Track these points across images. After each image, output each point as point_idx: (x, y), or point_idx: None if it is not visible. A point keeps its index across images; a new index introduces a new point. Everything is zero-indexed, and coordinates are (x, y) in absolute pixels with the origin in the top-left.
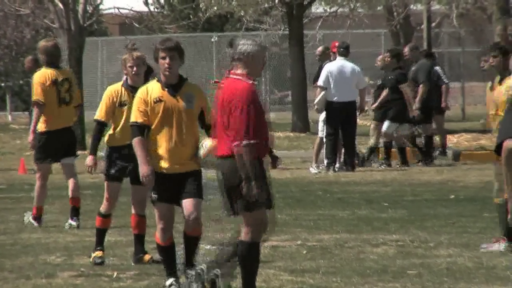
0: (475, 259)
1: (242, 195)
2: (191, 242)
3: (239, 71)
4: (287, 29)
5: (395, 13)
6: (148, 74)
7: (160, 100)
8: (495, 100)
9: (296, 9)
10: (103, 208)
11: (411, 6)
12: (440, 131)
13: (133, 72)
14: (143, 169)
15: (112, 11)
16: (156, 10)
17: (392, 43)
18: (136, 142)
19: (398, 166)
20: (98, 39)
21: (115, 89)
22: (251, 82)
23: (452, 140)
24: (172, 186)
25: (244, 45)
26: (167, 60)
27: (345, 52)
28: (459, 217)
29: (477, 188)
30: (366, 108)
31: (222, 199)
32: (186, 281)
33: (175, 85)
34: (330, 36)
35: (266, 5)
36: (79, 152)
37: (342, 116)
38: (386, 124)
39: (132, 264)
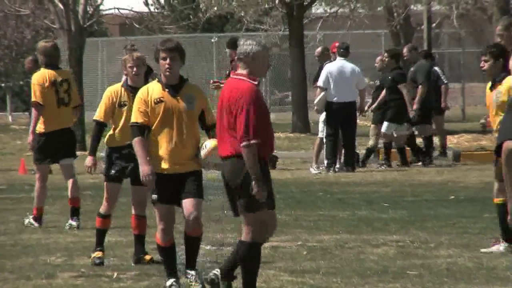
0: (476, 260)
1: (243, 196)
2: (192, 243)
3: (240, 71)
4: (287, 29)
5: (395, 14)
6: (148, 75)
7: (161, 101)
8: (489, 104)
9: (296, 10)
10: (102, 208)
11: (411, 7)
12: (440, 131)
13: (133, 73)
14: (144, 169)
15: (112, 11)
16: (156, 10)
17: (392, 43)
18: (136, 142)
19: (398, 166)
20: (98, 40)
21: (114, 89)
22: (253, 82)
23: (452, 140)
24: (172, 187)
25: (246, 45)
26: (168, 61)
27: (345, 52)
28: (459, 217)
29: (477, 188)
30: (366, 108)
31: (228, 199)
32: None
33: (175, 86)
34: (330, 37)
35: (266, 5)
36: (79, 153)
37: (342, 117)
38: (385, 125)
39: (132, 264)
